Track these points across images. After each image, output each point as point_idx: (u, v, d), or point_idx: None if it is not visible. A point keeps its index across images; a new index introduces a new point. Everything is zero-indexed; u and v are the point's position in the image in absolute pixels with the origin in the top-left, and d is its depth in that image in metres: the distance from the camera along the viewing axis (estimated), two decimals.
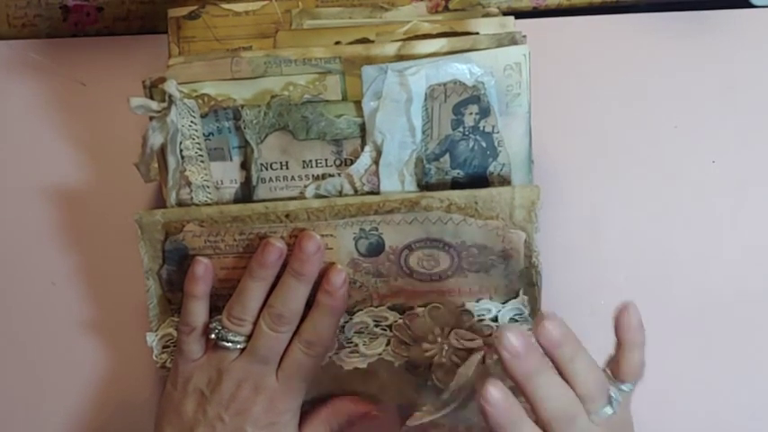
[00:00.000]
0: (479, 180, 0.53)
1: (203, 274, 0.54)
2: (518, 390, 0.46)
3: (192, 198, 0.54)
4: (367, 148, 0.52)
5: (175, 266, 0.55)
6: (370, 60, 0.51)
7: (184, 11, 0.58)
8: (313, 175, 0.54)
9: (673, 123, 0.62)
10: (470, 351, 0.53)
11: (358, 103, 0.52)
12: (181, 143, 0.53)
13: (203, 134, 0.53)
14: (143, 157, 0.53)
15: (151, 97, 0.52)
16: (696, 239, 0.61)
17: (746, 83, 0.62)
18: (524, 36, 0.51)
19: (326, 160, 0.53)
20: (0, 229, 0.63)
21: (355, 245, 0.53)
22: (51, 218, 0.63)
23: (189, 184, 0.54)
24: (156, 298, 0.56)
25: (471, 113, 0.52)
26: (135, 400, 0.62)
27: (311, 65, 0.52)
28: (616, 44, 0.63)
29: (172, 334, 0.56)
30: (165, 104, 0.52)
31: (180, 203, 0.54)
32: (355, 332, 0.56)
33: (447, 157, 0.53)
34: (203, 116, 0.53)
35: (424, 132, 0.52)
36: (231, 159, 0.54)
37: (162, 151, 0.53)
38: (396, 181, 0.53)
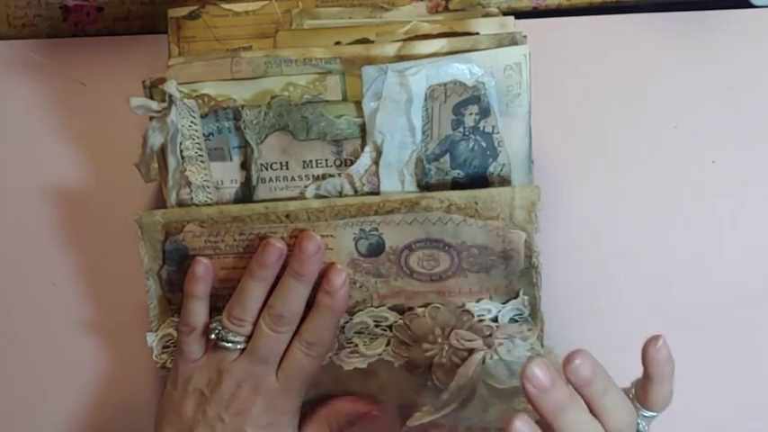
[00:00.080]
0: (479, 180, 0.53)
1: (203, 274, 0.54)
2: (545, 425, 0.44)
3: (192, 198, 0.54)
4: (367, 149, 0.52)
5: (175, 267, 0.55)
6: (370, 60, 0.51)
7: (184, 11, 0.58)
8: (313, 176, 0.53)
9: (673, 123, 0.62)
10: (471, 351, 0.53)
11: (358, 104, 0.52)
12: (181, 143, 0.53)
13: (203, 134, 0.53)
14: (143, 157, 0.53)
15: (151, 97, 0.52)
16: (696, 239, 0.61)
17: (746, 83, 0.62)
18: (524, 36, 0.51)
19: (326, 160, 0.53)
20: (0, 229, 0.63)
21: (355, 245, 0.53)
22: (51, 218, 0.63)
23: (189, 184, 0.54)
24: (156, 298, 0.56)
25: (471, 114, 0.52)
26: (135, 400, 0.62)
27: (311, 65, 0.52)
28: (616, 44, 0.63)
29: (172, 334, 0.56)
30: (165, 104, 0.52)
31: (180, 204, 0.54)
32: (355, 332, 0.56)
33: (447, 157, 0.53)
34: (203, 116, 0.52)
35: (424, 133, 0.52)
36: (231, 159, 0.54)
37: (162, 151, 0.53)
38: (396, 181, 0.53)
